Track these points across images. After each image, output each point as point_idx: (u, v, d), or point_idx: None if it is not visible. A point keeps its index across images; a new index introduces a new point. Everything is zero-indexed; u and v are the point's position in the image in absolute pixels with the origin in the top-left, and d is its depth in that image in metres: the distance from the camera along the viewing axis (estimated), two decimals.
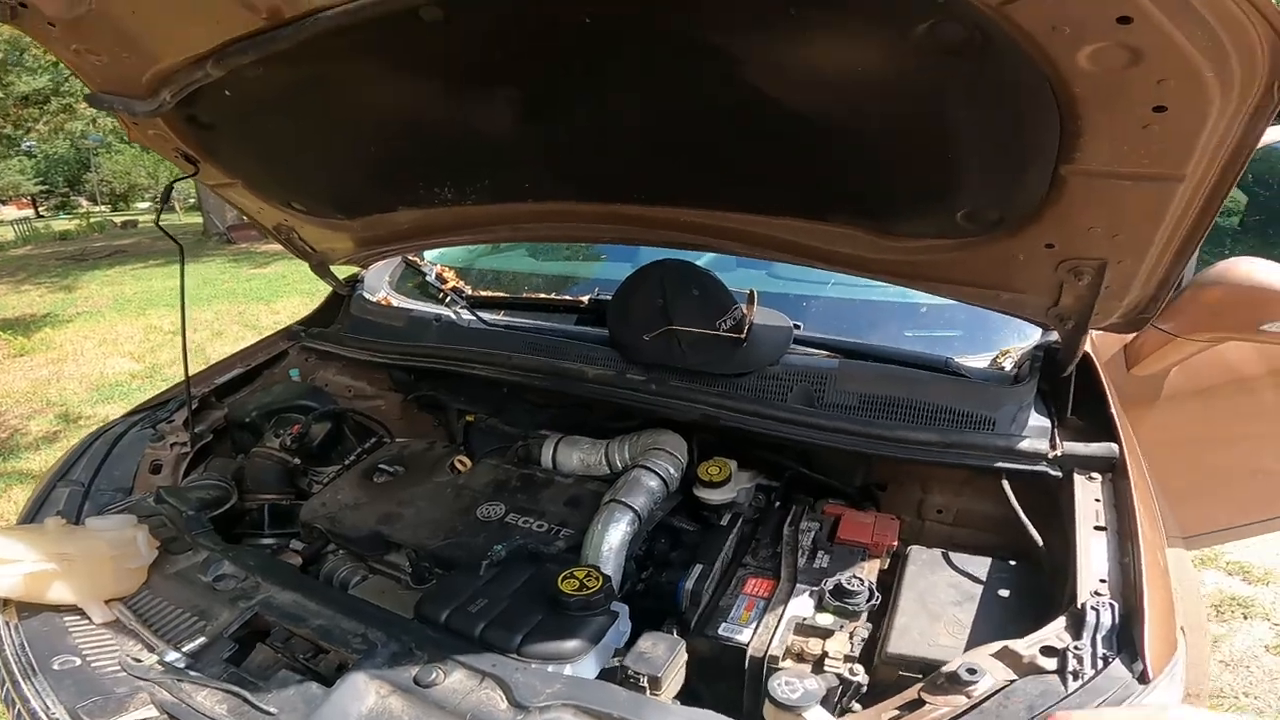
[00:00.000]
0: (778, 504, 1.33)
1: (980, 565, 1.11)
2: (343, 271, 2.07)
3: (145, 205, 35.96)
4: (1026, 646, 0.85)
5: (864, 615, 1.03)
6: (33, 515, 1.35)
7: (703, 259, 1.61)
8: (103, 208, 34.20)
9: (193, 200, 32.16)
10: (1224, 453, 2.05)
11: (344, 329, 1.86)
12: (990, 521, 1.23)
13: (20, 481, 3.87)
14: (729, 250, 1.29)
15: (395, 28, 0.93)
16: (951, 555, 1.13)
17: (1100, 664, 0.80)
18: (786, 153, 1.04)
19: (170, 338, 7.20)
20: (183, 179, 1.46)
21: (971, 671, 0.81)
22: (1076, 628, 0.85)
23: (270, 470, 1.47)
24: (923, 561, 1.13)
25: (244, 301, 8.84)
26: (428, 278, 1.90)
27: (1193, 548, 2.61)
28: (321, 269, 1.83)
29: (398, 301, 1.90)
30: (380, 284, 1.97)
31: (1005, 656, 0.85)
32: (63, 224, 22.98)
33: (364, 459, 1.60)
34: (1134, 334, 1.73)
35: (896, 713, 0.82)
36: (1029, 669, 0.83)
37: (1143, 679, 0.79)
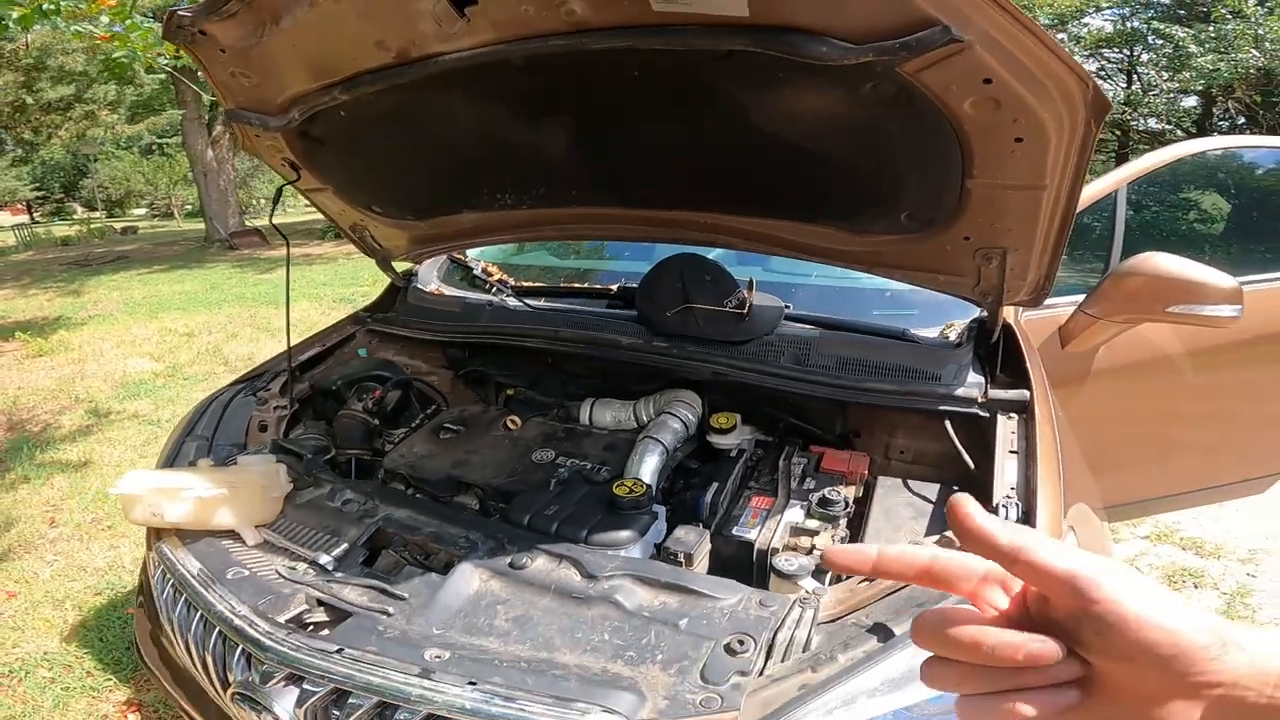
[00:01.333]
0: (775, 442, 1.65)
1: (931, 490, 1.43)
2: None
3: (142, 211, 35.78)
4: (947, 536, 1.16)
5: (842, 521, 1.35)
6: (170, 463, 1.65)
7: (711, 254, 1.95)
8: (99, 214, 34.05)
9: (190, 207, 32.14)
10: (1146, 427, 2.34)
11: (403, 315, 2.17)
12: (939, 458, 1.54)
13: (61, 471, 4.05)
14: (734, 246, 1.63)
15: (487, 70, 1.24)
16: (910, 483, 1.46)
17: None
18: (779, 170, 1.37)
19: (186, 339, 7.39)
20: (286, 184, 1.75)
21: (917, 545, 1.13)
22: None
23: (356, 428, 1.78)
24: (887, 488, 1.46)
25: (254, 305, 9.03)
26: (474, 271, 2.22)
27: (1118, 519, 2.89)
28: (385, 264, 2.14)
29: (449, 291, 2.21)
30: (431, 277, 2.29)
31: (944, 543, 1.17)
32: (62, 229, 23.08)
33: (429, 421, 1.91)
34: (1069, 318, 2.06)
35: (866, 581, 1.14)
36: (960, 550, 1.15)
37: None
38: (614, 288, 2.01)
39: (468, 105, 1.44)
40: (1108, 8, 17.03)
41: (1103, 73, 18.36)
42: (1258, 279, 2.24)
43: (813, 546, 1.27)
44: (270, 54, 1.32)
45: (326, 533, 1.32)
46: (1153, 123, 16.67)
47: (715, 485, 1.41)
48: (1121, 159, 18.41)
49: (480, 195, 1.74)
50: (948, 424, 1.44)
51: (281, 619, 1.12)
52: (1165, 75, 14.86)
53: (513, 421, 1.80)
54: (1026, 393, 1.41)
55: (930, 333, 1.63)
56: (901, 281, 1.51)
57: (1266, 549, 3.25)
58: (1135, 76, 17.18)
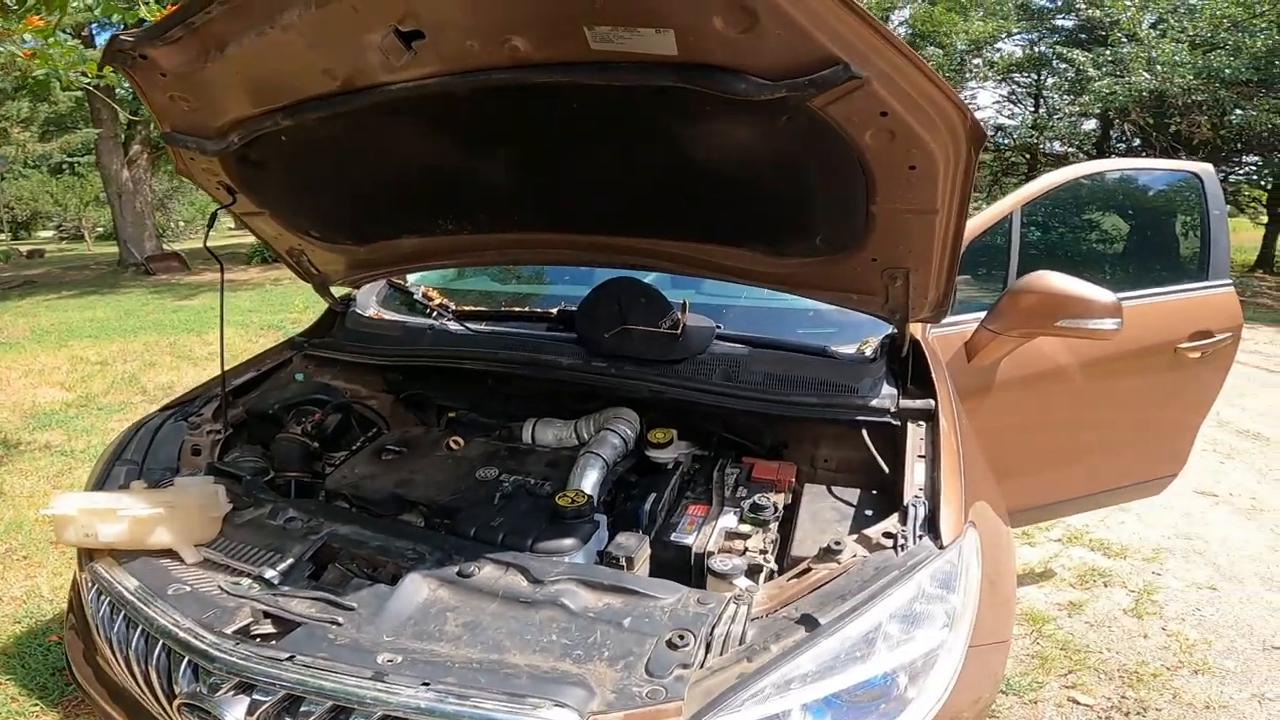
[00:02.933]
0: (710, 455, 1.74)
1: (853, 495, 1.55)
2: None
3: (49, 234, 33.80)
4: (874, 533, 1.27)
5: (773, 525, 1.44)
6: (99, 487, 1.62)
7: (648, 277, 2.05)
8: (3, 236, 32.03)
9: (101, 229, 30.45)
10: (1047, 435, 2.54)
11: (341, 339, 2.18)
12: (860, 465, 1.65)
13: None
14: (666, 270, 1.74)
15: (431, 100, 1.30)
16: (833, 489, 1.57)
17: (916, 540, 1.22)
18: (707, 197, 1.48)
19: (99, 368, 7.05)
20: (220, 208, 1.75)
21: (838, 544, 1.23)
22: (903, 519, 1.27)
23: (295, 451, 1.78)
24: (814, 494, 1.56)
25: (173, 333, 8.66)
26: (415, 295, 2.25)
27: (1029, 522, 3.04)
28: (323, 288, 2.15)
29: (388, 316, 2.24)
30: (370, 302, 2.31)
31: (862, 540, 1.27)
32: None
33: (370, 444, 1.93)
34: (974, 333, 2.24)
35: (795, 578, 1.23)
36: (876, 546, 1.24)
37: (940, 546, 1.21)
38: (554, 311, 2.08)
39: (411, 133, 1.50)
40: (1018, 33, 17.88)
41: (1013, 97, 19.33)
42: (1141, 294, 2.49)
43: (745, 550, 1.35)
44: (212, 79, 1.34)
45: (270, 549, 1.33)
46: (1057, 145, 17.35)
47: (654, 495, 1.49)
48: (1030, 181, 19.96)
49: (421, 220, 1.79)
50: (865, 433, 1.56)
51: (228, 631, 1.13)
52: (1067, 99, 15.57)
53: (455, 442, 1.83)
54: (932, 402, 1.54)
55: (849, 349, 1.76)
56: (820, 301, 1.63)
57: (1169, 548, 3.51)
58: (1042, 100, 18.06)
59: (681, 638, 1.06)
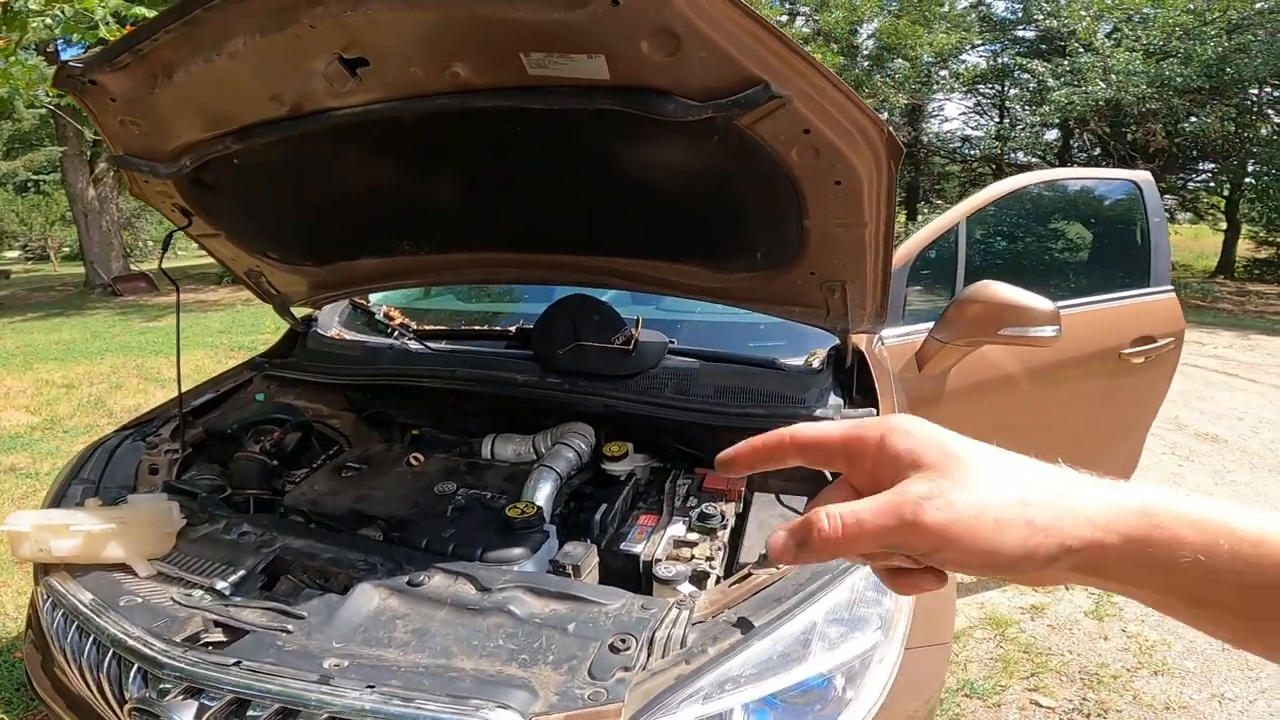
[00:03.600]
0: (665, 467, 1.78)
1: (800, 503, 1.59)
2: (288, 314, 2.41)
3: (15, 254, 33.11)
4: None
5: (721, 534, 1.48)
6: (56, 505, 1.62)
7: (607, 295, 2.09)
8: None
9: (68, 250, 29.92)
10: (997, 440, 2.63)
11: (303, 359, 2.19)
12: (808, 474, 1.69)
13: None
14: (618, 286, 1.78)
15: (380, 124, 1.33)
16: (782, 497, 1.62)
17: None
18: (652, 215, 1.53)
19: (65, 391, 6.98)
20: (177, 230, 1.77)
21: (775, 566, 1.27)
22: None
23: (254, 469, 1.79)
24: (762, 503, 1.61)
25: (140, 355, 8.58)
26: (376, 315, 2.28)
27: None
28: (283, 309, 2.16)
29: (350, 336, 2.26)
30: (332, 322, 2.33)
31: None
32: None
33: (331, 461, 1.94)
34: (922, 343, 2.31)
35: (736, 584, 1.27)
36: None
37: None
38: (513, 329, 2.11)
39: (363, 156, 1.53)
40: (981, 44, 18.17)
41: (979, 108, 19.69)
42: (1084, 301, 2.58)
43: (692, 556, 1.39)
44: (162, 104, 1.36)
45: (223, 562, 1.35)
46: (1021, 155, 17.57)
47: (605, 506, 1.52)
48: None
49: (378, 242, 1.82)
50: None
51: (177, 639, 1.14)
52: (1028, 110, 15.80)
53: (416, 458, 1.86)
54: (874, 410, 1.60)
55: (797, 361, 1.82)
56: (766, 314, 1.69)
57: None
58: (1006, 111, 18.35)
59: (624, 641, 1.10)
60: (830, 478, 1.52)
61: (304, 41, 1.16)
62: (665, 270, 1.65)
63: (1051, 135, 17.58)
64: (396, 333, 2.22)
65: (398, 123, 1.34)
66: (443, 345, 2.12)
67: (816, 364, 1.79)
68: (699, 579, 1.34)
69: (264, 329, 10.07)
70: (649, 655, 1.09)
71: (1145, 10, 13.94)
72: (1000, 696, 2.48)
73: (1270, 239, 18.67)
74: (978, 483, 0.39)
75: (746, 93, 1.07)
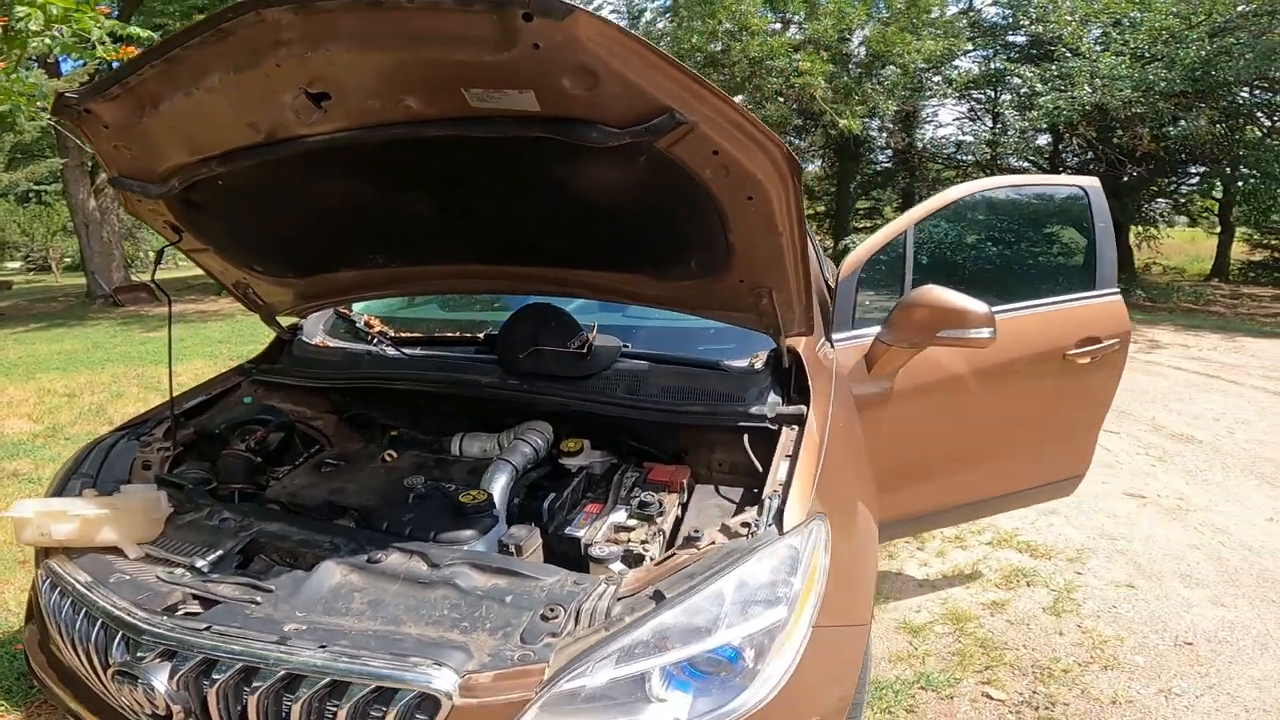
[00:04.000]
0: (618, 462, 1.93)
1: (736, 493, 1.74)
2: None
3: (16, 265, 33.22)
4: (734, 523, 1.45)
5: (657, 520, 1.62)
6: (56, 496, 1.77)
7: (573, 305, 2.24)
8: None
9: (69, 260, 30.03)
10: (944, 441, 2.69)
11: (289, 365, 2.34)
12: (745, 467, 1.84)
13: None
14: (571, 295, 1.94)
15: (349, 149, 1.48)
16: (720, 489, 1.76)
17: (766, 529, 1.40)
18: (597, 229, 1.69)
19: (66, 400, 7.11)
20: (168, 245, 1.92)
21: (697, 532, 1.42)
22: (759, 511, 1.45)
23: (239, 465, 1.94)
24: (702, 494, 1.76)
25: (140, 365, 8.73)
26: (358, 324, 2.43)
27: (934, 526, 3.18)
28: (269, 319, 2.31)
29: (333, 343, 2.41)
30: (316, 330, 2.48)
31: (723, 529, 1.45)
32: None
33: (312, 458, 2.09)
34: (869, 346, 2.44)
35: (661, 563, 1.40)
36: (734, 534, 1.42)
37: (781, 533, 1.38)
38: (482, 336, 2.26)
39: (335, 178, 1.68)
40: (974, 50, 17.95)
41: (972, 113, 19.60)
42: (1030, 304, 2.70)
43: (629, 539, 1.53)
44: (150, 131, 1.51)
45: (203, 544, 1.50)
46: (1014, 161, 17.36)
47: (553, 495, 1.66)
48: None
49: (353, 255, 1.97)
50: (745, 437, 1.75)
51: (157, 610, 1.29)
52: (1017, 115, 15.47)
53: (390, 455, 2.00)
54: (804, 408, 1.73)
55: (741, 362, 1.96)
56: (708, 319, 1.83)
57: (1093, 548, 3.67)
58: (997, 117, 18.29)
59: (553, 611, 1.24)
60: (760, 468, 1.65)
61: (273, 78, 1.31)
62: (614, 280, 1.80)
63: (1044, 140, 17.56)
64: (375, 339, 2.36)
65: (364, 148, 1.48)
66: (417, 351, 2.27)
67: (759, 365, 1.93)
68: (633, 560, 1.48)
69: (262, 339, 10.10)
70: (576, 624, 1.23)
71: (1133, 14, 13.89)
72: (954, 689, 2.57)
73: (1264, 241, 18.74)
74: None
75: (656, 120, 1.21)
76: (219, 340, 10.22)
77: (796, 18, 15.44)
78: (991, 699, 2.54)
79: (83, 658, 1.38)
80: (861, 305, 2.57)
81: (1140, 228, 17.98)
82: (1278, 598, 3.18)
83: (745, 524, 1.42)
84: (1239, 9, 12.53)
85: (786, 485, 1.48)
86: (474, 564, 1.35)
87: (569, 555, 1.54)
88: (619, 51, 1.12)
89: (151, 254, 28.00)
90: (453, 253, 1.91)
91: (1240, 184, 14.63)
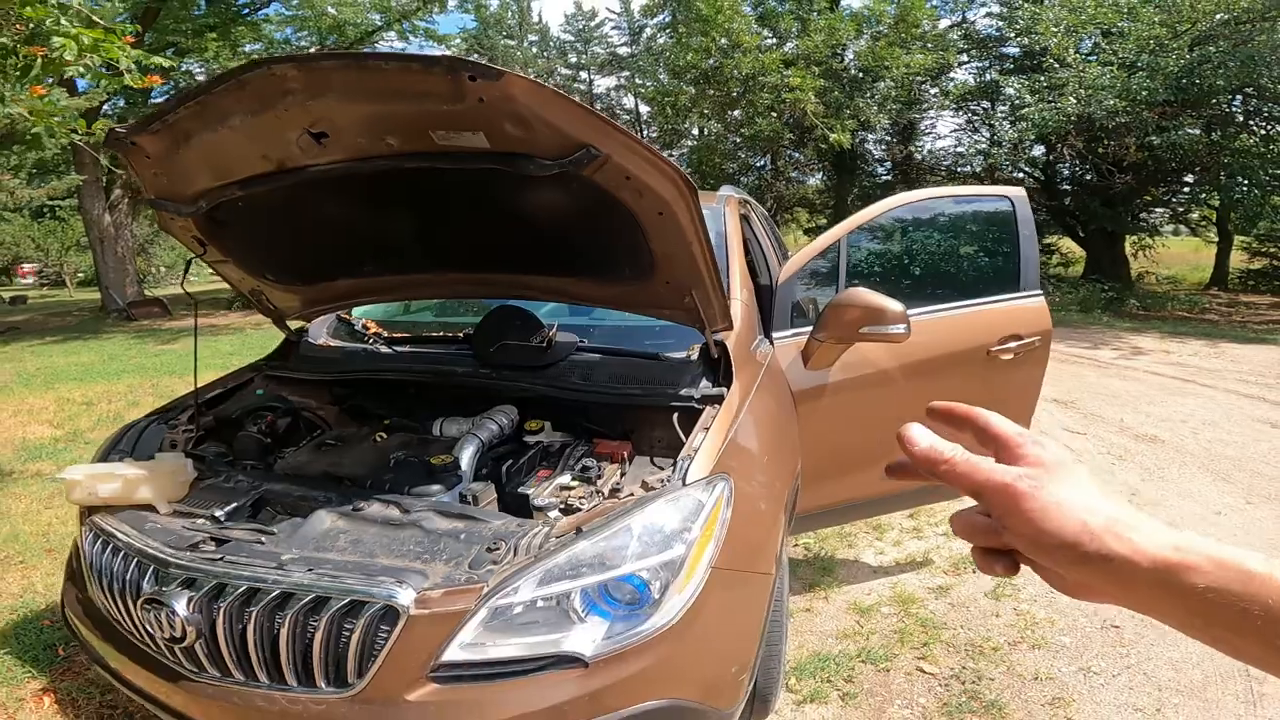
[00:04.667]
0: (571, 439, 2.25)
1: (669, 463, 2.04)
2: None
3: (30, 280, 33.70)
4: (652, 479, 1.75)
5: (596, 482, 1.93)
6: None
7: (545, 308, 2.57)
8: None
9: (82, 275, 30.53)
10: (876, 431, 2.89)
11: (296, 362, 2.68)
12: (678, 442, 2.13)
13: None
14: (531, 297, 2.28)
15: (344, 177, 1.81)
16: (655, 460, 2.07)
17: (673, 482, 1.70)
18: (549, 242, 2.02)
19: (85, 408, 7.40)
20: (194, 258, 2.26)
21: (619, 485, 1.73)
22: (675, 469, 1.75)
23: (252, 444, 2.27)
24: (639, 463, 2.08)
25: (155, 376, 9.06)
26: (356, 326, 2.77)
27: (871, 514, 3.38)
28: (280, 322, 2.65)
29: (334, 343, 2.75)
30: (320, 333, 2.82)
31: (643, 485, 1.75)
32: None
33: (314, 440, 2.42)
34: (805, 342, 2.74)
35: (589, 510, 1.69)
36: (650, 488, 1.72)
37: (684, 485, 1.68)
38: (461, 334, 2.60)
39: (334, 200, 2.02)
40: (968, 62, 18.25)
41: (970, 125, 19.70)
42: (958, 304, 2.98)
43: (568, 496, 1.85)
44: (183, 160, 1.86)
45: (221, 501, 1.83)
46: (1009, 171, 17.48)
47: (509, 462, 1.99)
48: None
49: (350, 266, 2.32)
50: (674, 416, 2.07)
51: (182, 548, 1.62)
52: (1008, 126, 15.56)
53: (381, 435, 2.33)
54: (724, 391, 2.05)
55: (680, 354, 2.27)
56: (648, 317, 2.16)
57: None
58: (993, 128, 18.38)
59: (496, 545, 1.56)
60: (684, 439, 1.97)
61: (281, 120, 1.65)
62: (564, 284, 2.14)
63: (1039, 150, 17.59)
64: (372, 339, 2.70)
65: (355, 176, 1.82)
66: (406, 348, 2.61)
67: (693, 356, 2.24)
68: (570, 512, 1.80)
69: (267, 351, 10.50)
70: (514, 555, 1.55)
71: (1120, 24, 13.99)
72: (891, 663, 2.78)
73: (1263, 249, 18.63)
74: (1064, 486, 0.48)
75: (578, 154, 1.54)
76: (229, 353, 10.52)
77: (792, 31, 15.80)
78: (924, 672, 2.74)
79: (116, 596, 1.70)
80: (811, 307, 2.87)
81: (1136, 237, 17.96)
82: None
83: (661, 480, 1.73)
84: (1218, 17, 12.57)
85: (697, 450, 1.79)
86: (438, 510, 1.67)
87: (519, 509, 1.85)
88: (543, 102, 1.46)
89: (164, 269, 28.62)
90: (430, 263, 2.25)
91: (1227, 192, 14.43)
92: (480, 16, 32.32)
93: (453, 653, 1.45)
